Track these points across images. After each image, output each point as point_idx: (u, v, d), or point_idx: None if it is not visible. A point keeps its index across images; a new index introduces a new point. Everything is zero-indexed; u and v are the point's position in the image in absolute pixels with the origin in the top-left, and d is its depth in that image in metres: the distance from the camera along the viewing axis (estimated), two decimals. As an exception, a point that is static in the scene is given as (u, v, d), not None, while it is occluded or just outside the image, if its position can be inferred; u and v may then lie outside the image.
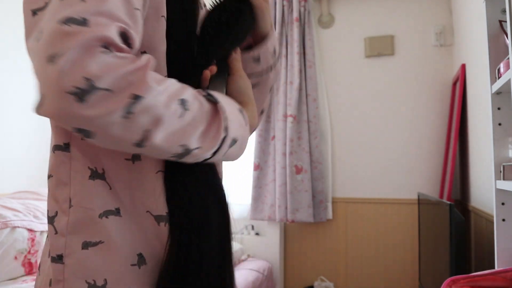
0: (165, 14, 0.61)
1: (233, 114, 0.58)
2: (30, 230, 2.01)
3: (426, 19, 2.67)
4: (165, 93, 0.50)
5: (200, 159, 0.56)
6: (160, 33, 0.61)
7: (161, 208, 0.61)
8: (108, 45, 0.47)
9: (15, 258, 1.92)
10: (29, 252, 1.98)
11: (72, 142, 0.60)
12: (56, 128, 0.62)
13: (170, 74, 0.62)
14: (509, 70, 1.03)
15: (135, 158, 0.60)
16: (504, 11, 1.19)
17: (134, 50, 0.52)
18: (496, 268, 1.15)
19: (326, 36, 2.88)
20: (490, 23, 1.23)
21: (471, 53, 2.08)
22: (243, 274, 2.35)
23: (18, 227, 1.96)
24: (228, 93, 0.67)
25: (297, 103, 2.72)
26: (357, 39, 2.80)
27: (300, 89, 2.73)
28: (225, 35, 0.66)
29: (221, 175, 0.73)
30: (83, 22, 0.46)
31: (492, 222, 1.25)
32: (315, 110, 2.75)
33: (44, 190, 2.42)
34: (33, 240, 2.01)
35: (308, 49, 2.76)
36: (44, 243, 2.04)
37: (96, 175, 0.59)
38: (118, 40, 0.48)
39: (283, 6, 2.81)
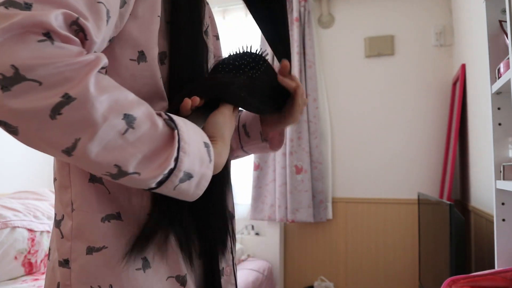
0: (160, 14, 0.60)
1: (194, 147, 0.51)
2: (30, 230, 2.01)
3: (426, 19, 2.67)
4: (107, 103, 0.44)
5: (142, 187, 0.50)
6: (155, 33, 0.60)
7: None
8: (50, 33, 0.42)
9: (15, 258, 1.92)
10: (29, 252, 1.98)
11: None
12: None
13: (170, 75, 0.62)
14: (509, 70, 1.03)
15: None
16: (504, 11, 1.19)
17: (91, 44, 0.47)
18: (496, 268, 1.15)
19: (326, 36, 2.88)
20: (490, 23, 1.22)
21: (471, 53, 2.08)
22: (243, 274, 2.35)
23: (18, 227, 1.96)
24: (203, 126, 0.60)
25: (297, 103, 2.71)
26: (357, 39, 2.80)
27: (300, 89, 2.72)
28: (232, 76, 0.65)
29: (228, 176, 0.71)
30: (24, 7, 0.42)
31: (492, 222, 1.25)
32: (315, 110, 2.75)
33: (44, 190, 2.42)
34: (33, 240, 2.01)
35: (308, 49, 2.76)
36: (44, 243, 2.05)
37: (95, 178, 0.58)
38: (63, 29, 0.43)
39: (283, 6, 2.81)
